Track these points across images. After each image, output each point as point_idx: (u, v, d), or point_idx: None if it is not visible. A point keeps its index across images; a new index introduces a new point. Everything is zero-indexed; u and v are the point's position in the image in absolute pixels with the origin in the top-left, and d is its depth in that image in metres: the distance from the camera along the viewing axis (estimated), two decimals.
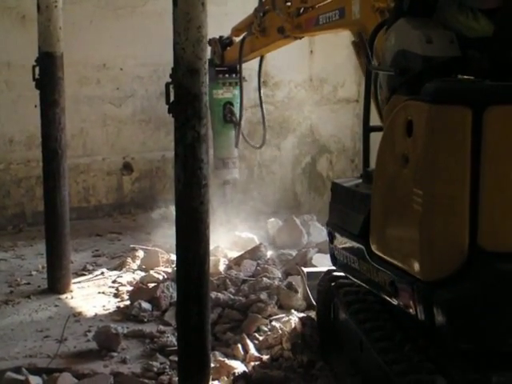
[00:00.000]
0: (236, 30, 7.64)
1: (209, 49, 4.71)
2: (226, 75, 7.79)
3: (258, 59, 7.60)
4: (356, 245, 4.55)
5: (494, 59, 3.91)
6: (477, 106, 3.60)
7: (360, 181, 4.87)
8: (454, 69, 4.06)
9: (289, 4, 6.40)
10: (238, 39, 7.60)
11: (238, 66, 7.54)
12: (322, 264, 6.57)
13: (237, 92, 7.75)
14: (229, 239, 8.00)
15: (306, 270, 6.42)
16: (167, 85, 4.77)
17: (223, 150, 7.84)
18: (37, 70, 6.88)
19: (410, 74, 4.13)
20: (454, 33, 4.12)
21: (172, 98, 4.70)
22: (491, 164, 3.63)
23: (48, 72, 6.82)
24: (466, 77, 4.02)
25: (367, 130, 4.72)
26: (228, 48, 7.75)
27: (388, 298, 4.23)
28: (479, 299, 3.67)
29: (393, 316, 4.55)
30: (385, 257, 4.15)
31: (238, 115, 7.76)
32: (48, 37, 6.77)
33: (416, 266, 3.82)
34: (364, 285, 4.60)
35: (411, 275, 3.87)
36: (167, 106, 4.72)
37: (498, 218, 3.67)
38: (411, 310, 3.93)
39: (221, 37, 7.78)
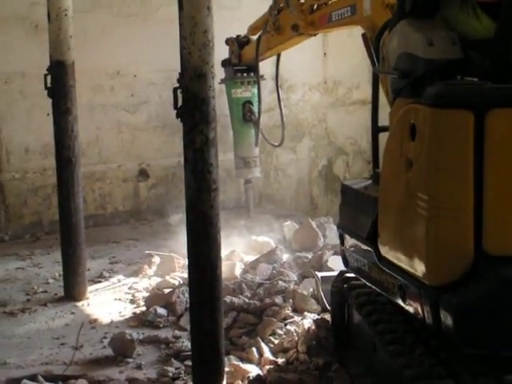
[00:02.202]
0: (252, 29, 7.57)
1: (216, 52, 4.69)
2: (245, 74, 7.71)
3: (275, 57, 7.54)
4: (365, 248, 4.52)
5: (496, 61, 3.85)
6: (478, 110, 3.57)
7: (369, 182, 4.85)
8: (456, 71, 4.00)
9: (302, 1, 6.39)
10: (255, 37, 7.55)
11: (255, 65, 7.48)
12: (338, 266, 6.51)
13: (255, 91, 7.68)
14: (245, 243, 7.98)
15: (320, 274, 6.39)
16: (175, 90, 4.77)
17: (244, 149, 7.73)
18: (48, 78, 6.90)
19: (413, 76, 4.08)
20: (456, 34, 4.06)
21: (180, 103, 4.71)
22: (494, 167, 3.59)
23: (60, 80, 6.84)
24: (468, 78, 3.96)
25: (376, 130, 4.70)
26: (245, 47, 7.71)
27: (397, 302, 4.20)
28: (484, 304, 3.63)
29: (404, 317, 4.51)
30: (393, 260, 4.12)
31: (257, 114, 7.69)
32: (59, 45, 6.79)
33: (422, 271, 3.79)
34: (374, 287, 4.58)
35: (418, 279, 3.84)
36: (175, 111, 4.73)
37: (502, 221, 3.63)
38: (419, 314, 3.90)
39: (238, 36, 7.73)
